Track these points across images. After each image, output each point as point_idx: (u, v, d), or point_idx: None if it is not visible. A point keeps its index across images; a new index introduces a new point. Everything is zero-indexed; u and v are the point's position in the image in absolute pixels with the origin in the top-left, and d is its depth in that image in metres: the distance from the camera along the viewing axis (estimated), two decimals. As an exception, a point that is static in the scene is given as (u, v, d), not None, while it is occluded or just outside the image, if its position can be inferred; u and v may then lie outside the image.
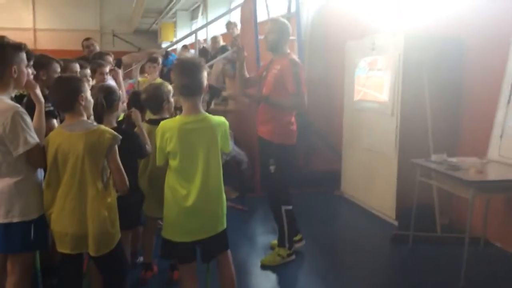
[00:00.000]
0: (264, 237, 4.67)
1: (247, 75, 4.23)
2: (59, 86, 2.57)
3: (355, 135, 5.72)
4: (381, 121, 5.11)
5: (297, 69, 3.80)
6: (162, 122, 2.70)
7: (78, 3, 29.82)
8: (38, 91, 2.63)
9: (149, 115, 3.57)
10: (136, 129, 3.22)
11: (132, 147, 2.93)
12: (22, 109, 2.42)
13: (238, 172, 6.06)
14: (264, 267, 3.97)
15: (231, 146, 5.91)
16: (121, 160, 2.61)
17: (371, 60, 5.29)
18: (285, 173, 4.01)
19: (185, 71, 2.65)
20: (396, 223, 4.90)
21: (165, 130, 2.63)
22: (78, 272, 2.60)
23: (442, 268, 3.92)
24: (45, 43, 29.68)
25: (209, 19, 13.15)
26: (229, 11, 9.93)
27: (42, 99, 2.63)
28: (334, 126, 6.34)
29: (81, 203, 2.43)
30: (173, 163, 2.63)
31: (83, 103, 2.51)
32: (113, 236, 2.51)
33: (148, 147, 3.12)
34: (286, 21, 4.06)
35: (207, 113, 2.72)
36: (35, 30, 30.38)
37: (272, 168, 3.95)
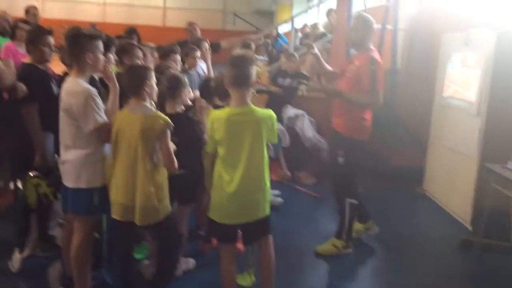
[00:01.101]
0: (329, 226, 4.75)
1: (329, 68, 4.29)
2: (129, 73, 2.94)
3: (441, 132, 5.50)
4: (465, 120, 4.86)
5: (375, 67, 3.81)
6: (212, 113, 2.94)
7: (205, -17, 31.34)
8: (113, 76, 3.00)
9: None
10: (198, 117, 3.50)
11: (189, 134, 3.21)
12: (94, 92, 2.80)
13: (317, 159, 6.16)
14: (318, 255, 4.08)
15: (310, 133, 6.07)
16: (180, 143, 2.91)
17: (463, 56, 5.01)
18: (352, 167, 4.06)
19: (235, 64, 2.85)
20: (470, 228, 4.68)
21: (214, 120, 2.87)
22: (128, 237, 2.99)
23: (508, 280, 3.71)
24: (173, 21, 31.79)
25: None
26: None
27: (117, 85, 2.99)
28: (422, 121, 6.11)
29: (132, 178, 2.78)
30: (220, 150, 2.87)
31: (147, 89, 2.84)
32: (157, 210, 2.82)
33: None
34: (369, 17, 4.04)
35: (253, 106, 2.88)
36: (164, 8, 32.66)
37: (340, 160, 4.01)
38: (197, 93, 4.16)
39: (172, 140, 2.95)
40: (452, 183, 5.14)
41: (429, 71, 6.26)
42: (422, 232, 4.83)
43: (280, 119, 5.91)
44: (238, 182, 2.81)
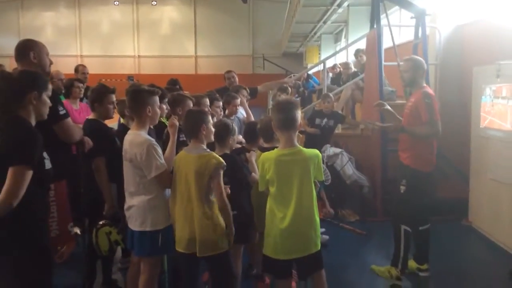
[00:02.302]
0: (378, 261, 4.78)
1: (399, 118, 4.44)
2: (188, 117, 3.22)
3: (482, 163, 5.54)
4: (505, 150, 4.91)
5: (429, 100, 4.08)
6: (262, 154, 3.17)
7: (234, 32, 32.51)
8: (175, 129, 3.29)
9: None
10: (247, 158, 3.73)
11: (237, 175, 3.43)
12: (154, 142, 3.09)
13: (359, 196, 6.26)
14: (372, 273, 4.23)
15: (350, 171, 6.19)
16: (231, 182, 3.14)
17: (495, 88, 5.12)
18: (413, 197, 4.19)
19: (281, 108, 3.09)
20: (522, 258, 4.65)
21: (264, 161, 3.09)
22: (192, 269, 3.20)
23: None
24: (204, 68, 32.98)
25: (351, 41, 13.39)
26: (363, 37, 10.13)
27: (175, 134, 3.28)
28: (461, 152, 6.16)
29: (191, 213, 3.03)
30: (271, 189, 3.08)
31: (204, 132, 3.11)
32: (215, 242, 3.04)
33: (256, 174, 3.57)
34: (419, 59, 4.38)
35: (301, 147, 3.09)
36: (196, 57, 33.92)
37: (402, 188, 4.22)
38: (240, 137, 4.39)
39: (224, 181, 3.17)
40: (498, 213, 5.14)
41: (463, 104, 6.37)
42: (471, 264, 4.82)
43: (320, 158, 6.10)
44: (290, 218, 2.99)
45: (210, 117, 3.25)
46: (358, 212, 6.22)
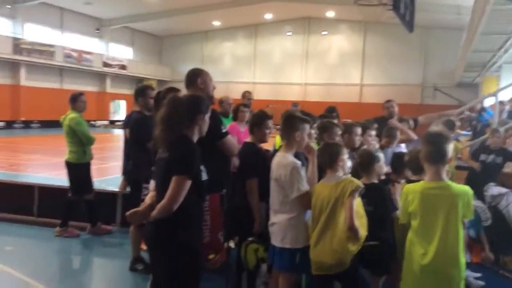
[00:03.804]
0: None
1: None
2: (324, 149, 3.36)
3: None
4: None
5: None
6: (406, 186, 3.11)
7: (403, 60, 31.62)
8: (314, 154, 3.44)
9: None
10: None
11: (382, 206, 3.40)
12: (299, 165, 3.27)
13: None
14: None
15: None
16: (375, 212, 3.15)
17: None
18: None
19: (431, 140, 3.01)
20: None
21: (408, 192, 3.03)
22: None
23: None
24: (368, 96, 32.70)
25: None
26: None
27: (315, 159, 3.42)
28: None
29: (328, 237, 3.11)
30: (414, 223, 2.99)
31: (340, 163, 3.21)
32: (342, 262, 3.10)
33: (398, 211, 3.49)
34: None
35: (449, 181, 2.95)
36: (361, 85, 33.81)
37: None
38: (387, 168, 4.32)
39: (366, 210, 3.18)
40: None
41: None
42: None
43: (481, 197, 5.61)
44: (432, 255, 2.86)
45: (345, 150, 3.33)
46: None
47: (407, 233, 3.08)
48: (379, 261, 3.50)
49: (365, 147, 4.47)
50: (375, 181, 3.59)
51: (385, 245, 3.47)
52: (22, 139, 22.62)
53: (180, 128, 2.85)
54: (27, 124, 28.94)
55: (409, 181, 3.78)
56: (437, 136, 3.04)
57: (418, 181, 3.26)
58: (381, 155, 3.70)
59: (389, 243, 3.52)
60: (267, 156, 4.15)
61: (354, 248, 3.10)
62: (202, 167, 2.88)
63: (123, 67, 34.94)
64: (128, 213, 2.84)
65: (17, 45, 27.19)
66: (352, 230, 3.07)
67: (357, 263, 3.17)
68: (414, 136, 5.84)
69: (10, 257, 5.28)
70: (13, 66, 28.10)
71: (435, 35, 30.11)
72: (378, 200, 3.45)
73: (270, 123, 4.15)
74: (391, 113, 6.75)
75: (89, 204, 6.19)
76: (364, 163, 3.50)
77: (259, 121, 4.08)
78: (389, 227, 3.55)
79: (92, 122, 31.66)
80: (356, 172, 3.54)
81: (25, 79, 28.63)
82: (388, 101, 7.05)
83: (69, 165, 6.10)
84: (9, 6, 27.69)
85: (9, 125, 28.06)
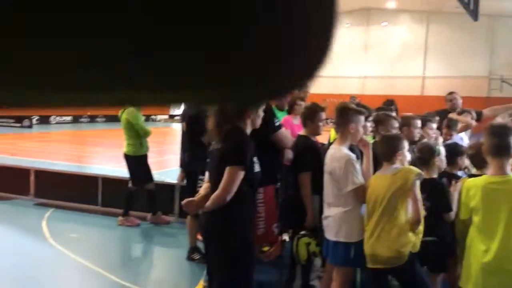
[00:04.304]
0: None
1: None
2: (382, 141, 3.26)
3: None
4: None
5: None
6: (467, 180, 2.97)
7: (469, 50, 30.21)
8: (369, 147, 3.36)
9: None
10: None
11: (442, 202, 3.27)
12: (353, 157, 3.20)
13: None
14: None
15: None
16: (433, 208, 3.05)
17: None
18: None
19: (495, 133, 2.85)
20: None
21: (470, 187, 2.90)
22: (381, 284, 3.20)
23: None
24: (431, 89, 31.50)
25: None
26: None
27: (371, 152, 3.34)
28: None
29: (385, 231, 3.03)
30: (475, 219, 2.86)
31: (399, 158, 3.11)
32: (400, 256, 3.00)
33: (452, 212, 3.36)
34: None
35: (514, 176, 2.79)
36: (423, 78, 32.64)
37: None
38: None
39: (424, 205, 3.08)
40: None
41: None
42: None
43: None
44: (494, 252, 2.73)
45: (405, 143, 3.21)
46: None
47: (468, 230, 2.95)
48: (436, 258, 3.39)
49: (425, 140, 4.31)
50: (435, 175, 3.46)
51: (443, 242, 3.36)
52: (88, 132, 23.76)
53: (232, 121, 2.87)
54: (92, 119, 30.39)
55: (471, 176, 3.63)
56: (502, 127, 2.89)
57: (480, 175, 3.13)
58: (441, 148, 3.56)
59: (447, 239, 3.40)
60: (320, 149, 4.12)
61: (413, 239, 3.02)
62: (255, 159, 2.90)
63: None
64: (183, 202, 2.91)
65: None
66: (419, 222, 2.99)
67: (414, 258, 3.07)
68: (473, 122, 5.56)
69: (75, 244, 5.57)
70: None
71: (502, 24, 28.51)
72: (437, 196, 3.32)
73: (323, 115, 4.11)
74: (453, 105, 6.47)
75: (149, 193, 6.40)
76: (424, 158, 3.38)
77: (312, 114, 4.05)
78: (447, 223, 3.42)
79: (153, 117, 32.71)
80: (415, 166, 3.42)
81: (90, 75, 29.95)
82: (451, 93, 6.76)
83: (128, 157, 6.34)
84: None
85: (76, 119, 29.58)
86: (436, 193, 3.26)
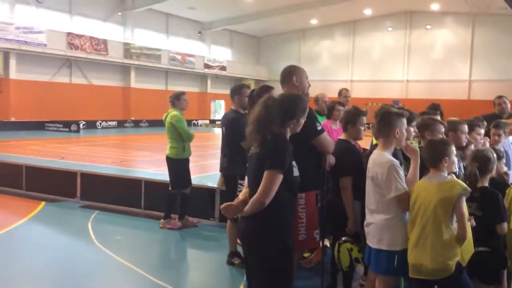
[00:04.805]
0: None
1: None
2: (429, 146, 3.15)
3: None
4: None
5: None
6: (516, 186, 2.83)
7: (517, 53, 29.05)
8: (417, 154, 3.25)
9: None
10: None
11: (493, 212, 3.14)
12: (397, 163, 3.11)
13: None
14: None
15: None
16: (484, 218, 2.93)
17: None
18: None
19: None
20: None
21: (519, 196, 2.76)
22: None
23: None
24: (479, 93, 30.48)
25: None
26: None
27: (418, 158, 3.23)
28: None
29: (430, 240, 2.92)
30: (526, 227, 2.73)
31: (445, 164, 3.00)
32: (446, 268, 2.88)
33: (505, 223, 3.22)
34: None
35: None
36: (470, 81, 31.60)
37: None
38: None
39: (475, 214, 2.97)
40: None
41: None
42: None
43: None
44: None
45: (452, 148, 3.09)
46: None
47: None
48: (488, 269, 3.25)
49: (472, 146, 4.16)
50: (486, 184, 3.32)
51: (495, 252, 3.22)
52: (132, 137, 24.37)
53: (271, 129, 2.85)
54: (136, 123, 31.12)
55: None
56: None
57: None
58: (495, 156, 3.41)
59: (498, 250, 3.26)
60: (362, 154, 4.03)
61: (459, 251, 2.90)
62: (294, 163, 2.87)
63: (223, 68, 36.16)
64: (222, 206, 2.91)
65: (127, 49, 29.37)
66: (463, 238, 2.88)
67: (462, 269, 2.95)
68: None
69: (118, 246, 5.70)
70: (124, 70, 30.38)
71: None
72: (490, 206, 3.19)
73: (364, 119, 4.04)
74: (502, 109, 6.25)
75: (183, 198, 6.46)
76: (483, 168, 3.26)
77: (352, 118, 4.00)
78: (500, 234, 3.28)
79: (194, 122, 33.16)
80: (473, 175, 3.28)
81: (134, 81, 30.78)
82: (500, 97, 6.52)
83: (170, 160, 6.43)
84: (120, 13, 29.97)
85: (121, 124, 30.39)
86: (489, 203, 3.12)
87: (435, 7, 30.99)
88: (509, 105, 6.29)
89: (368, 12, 33.19)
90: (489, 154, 3.40)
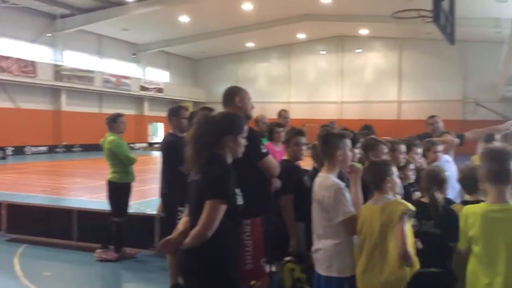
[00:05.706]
0: None
1: None
2: (370, 168, 3.11)
3: None
4: None
5: None
6: (466, 207, 2.83)
7: (442, 75, 31.00)
8: (358, 173, 3.20)
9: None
10: None
11: (449, 232, 3.12)
12: (343, 186, 3.04)
13: None
14: None
15: None
16: (439, 237, 2.94)
17: None
18: None
19: (493, 158, 2.69)
20: None
21: (468, 215, 2.75)
22: None
23: None
24: (407, 113, 32.01)
25: None
26: None
27: (359, 180, 3.17)
28: None
29: (378, 265, 2.84)
30: (475, 248, 2.70)
31: (389, 184, 2.95)
32: None
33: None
34: None
35: (514, 204, 2.66)
36: (399, 102, 33.12)
37: None
38: None
39: (432, 232, 2.95)
40: None
41: None
42: None
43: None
44: (500, 285, 2.56)
45: (394, 168, 3.07)
46: None
47: (465, 260, 2.80)
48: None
49: (412, 165, 4.20)
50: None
51: (447, 273, 3.17)
52: (64, 163, 23.17)
53: (209, 148, 2.69)
54: (68, 148, 29.73)
55: (465, 202, 3.50)
56: (500, 152, 2.71)
57: (474, 202, 2.99)
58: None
59: (451, 271, 3.22)
60: (303, 173, 3.99)
61: (408, 274, 2.84)
62: (237, 191, 2.71)
63: (159, 90, 35.60)
64: (160, 242, 2.69)
65: (57, 71, 28.14)
66: (405, 258, 2.80)
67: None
68: (454, 139, 5.49)
69: (49, 283, 5.24)
70: (54, 92, 29.05)
71: (474, 49, 29.30)
72: (448, 224, 3.10)
73: (302, 139, 4.02)
74: (435, 129, 6.43)
75: (118, 227, 6.08)
76: (442, 190, 3.23)
77: (289, 139, 4.04)
78: (449, 255, 3.27)
79: (131, 145, 32.19)
80: (435, 200, 3.22)
81: (65, 105, 29.50)
82: (432, 116, 6.72)
83: (111, 184, 6.07)
84: (50, 34, 28.80)
85: (52, 149, 28.89)
86: (447, 221, 3.06)
87: (364, 32, 32.42)
88: (441, 124, 6.49)
89: (301, 36, 34.12)
90: (442, 174, 3.36)
